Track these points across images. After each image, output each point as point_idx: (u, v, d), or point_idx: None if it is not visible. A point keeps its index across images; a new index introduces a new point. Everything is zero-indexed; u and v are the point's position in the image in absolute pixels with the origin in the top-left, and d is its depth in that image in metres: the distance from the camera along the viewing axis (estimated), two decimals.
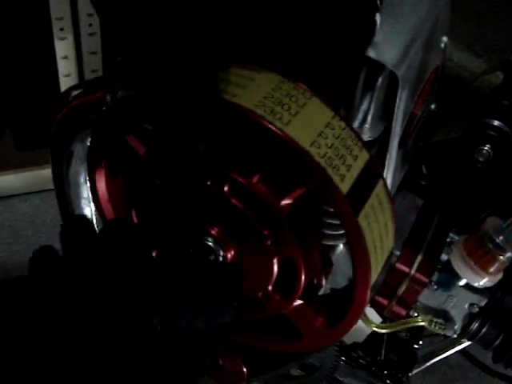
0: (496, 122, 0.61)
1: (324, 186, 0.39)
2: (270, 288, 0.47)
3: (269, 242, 0.44)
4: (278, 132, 0.38)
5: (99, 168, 0.50)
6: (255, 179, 0.41)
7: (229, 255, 0.46)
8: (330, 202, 0.40)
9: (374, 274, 0.43)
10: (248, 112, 0.39)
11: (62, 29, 1.33)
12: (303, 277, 0.45)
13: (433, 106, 0.64)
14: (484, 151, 0.62)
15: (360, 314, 0.45)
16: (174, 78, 0.37)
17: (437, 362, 0.89)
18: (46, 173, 1.54)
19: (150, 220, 0.49)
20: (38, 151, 1.52)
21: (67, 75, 1.42)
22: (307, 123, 0.40)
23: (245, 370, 0.59)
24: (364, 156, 0.42)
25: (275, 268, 0.45)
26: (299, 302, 0.48)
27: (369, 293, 0.44)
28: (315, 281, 0.52)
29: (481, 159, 0.62)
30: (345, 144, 0.41)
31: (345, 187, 0.39)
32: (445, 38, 0.59)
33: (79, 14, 1.32)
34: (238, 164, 0.42)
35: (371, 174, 0.42)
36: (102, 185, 0.51)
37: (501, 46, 0.77)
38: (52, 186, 1.61)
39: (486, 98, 0.66)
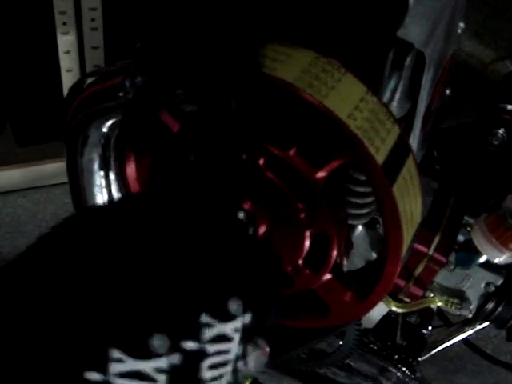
0: (509, 107, 0.63)
1: (360, 157, 0.40)
2: (300, 262, 0.48)
3: (302, 215, 0.45)
4: (318, 104, 0.39)
5: (128, 147, 0.51)
6: (292, 152, 0.42)
7: (261, 230, 0.47)
8: (365, 173, 0.42)
9: (405, 246, 0.45)
10: (288, 85, 0.40)
11: (64, 23, 1.33)
12: (335, 250, 0.46)
13: (448, 92, 0.65)
14: (498, 135, 0.63)
15: (390, 286, 0.46)
16: (216, 51, 0.38)
17: (437, 353, 0.90)
18: (46, 168, 1.55)
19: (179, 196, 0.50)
20: (38, 147, 1.52)
21: (69, 70, 1.42)
22: (343, 97, 0.41)
23: (268, 349, 0.60)
24: (396, 130, 0.43)
25: (307, 241, 0.46)
26: (328, 276, 0.49)
27: (400, 264, 0.45)
28: (338, 260, 0.53)
29: (495, 142, 0.64)
30: (378, 118, 0.42)
31: (380, 158, 0.41)
32: (461, 24, 0.61)
33: (82, 8, 1.32)
34: (275, 137, 0.43)
35: (403, 148, 0.44)
36: (131, 164, 0.52)
37: (509, 35, 0.79)
38: (52, 182, 1.62)
39: (498, 84, 0.68)
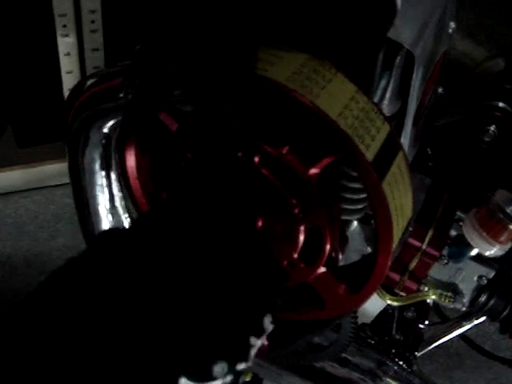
0: (501, 104, 0.65)
1: (351, 154, 0.42)
2: (295, 256, 0.49)
3: (296, 211, 0.46)
4: (310, 104, 0.41)
5: (129, 145, 0.53)
6: (285, 150, 0.44)
7: (257, 225, 0.48)
8: (356, 169, 0.43)
9: (396, 239, 0.46)
10: (281, 86, 0.41)
11: (64, 26, 1.35)
12: (328, 243, 0.47)
13: (440, 90, 0.67)
14: (489, 132, 0.65)
15: (382, 278, 0.48)
16: (209, 53, 0.40)
17: (436, 349, 0.91)
18: (47, 169, 1.57)
19: (179, 193, 0.51)
20: (39, 148, 1.54)
21: (69, 72, 1.43)
22: (334, 96, 0.43)
23: (266, 342, 0.61)
24: (386, 128, 0.45)
25: (302, 236, 0.48)
26: (322, 269, 0.50)
27: (391, 257, 0.46)
28: (333, 254, 0.54)
29: (486, 139, 0.65)
30: (368, 116, 0.44)
31: (370, 155, 0.42)
32: (452, 24, 0.62)
33: (82, 10, 1.34)
34: (269, 136, 0.44)
35: (392, 145, 0.45)
36: (131, 162, 0.54)
37: (501, 34, 0.81)
38: (53, 183, 1.64)
39: (489, 83, 0.69)
